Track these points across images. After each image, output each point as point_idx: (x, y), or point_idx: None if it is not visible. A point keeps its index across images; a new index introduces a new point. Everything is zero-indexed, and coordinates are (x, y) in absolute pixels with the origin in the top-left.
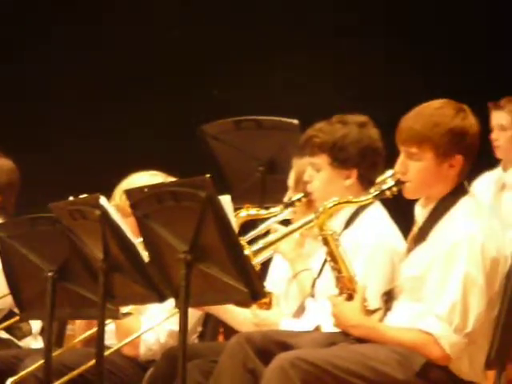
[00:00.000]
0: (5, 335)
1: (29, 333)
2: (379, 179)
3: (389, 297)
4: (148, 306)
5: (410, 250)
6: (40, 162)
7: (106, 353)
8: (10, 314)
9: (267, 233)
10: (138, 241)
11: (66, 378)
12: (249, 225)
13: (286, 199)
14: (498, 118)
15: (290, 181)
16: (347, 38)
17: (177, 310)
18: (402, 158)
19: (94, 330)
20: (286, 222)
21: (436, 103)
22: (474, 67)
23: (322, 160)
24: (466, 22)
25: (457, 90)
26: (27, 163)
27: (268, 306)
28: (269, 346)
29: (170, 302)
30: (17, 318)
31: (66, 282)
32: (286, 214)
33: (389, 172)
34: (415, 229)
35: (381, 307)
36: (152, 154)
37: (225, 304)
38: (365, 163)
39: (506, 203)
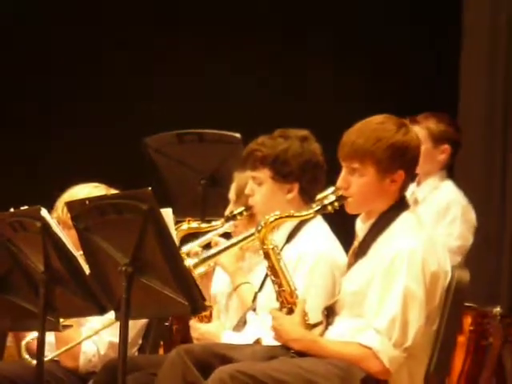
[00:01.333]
0: None
1: None
2: (320, 196)
3: (330, 311)
4: (88, 318)
5: (350, 264)
6: None
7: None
8: None
9: (208, 245)
10: (79, 253)
11: None
12: (190, 238)
13: (227, 213)
14: None
15: (231, 194)
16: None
17: (115, 320)
18: (343, 174)
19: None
20: (226, 236)
21: (378, 118)
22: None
23: (264, 174)
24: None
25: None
26: None
27: (208, 319)
28: (209, 359)
29: (111, 314)
30: None
31: (7, 293)
32: (227, 227)
33: (330, 189)
34: (356, 243)
35: (322, 321)
36: (94, 165)
37: (165, 317)
38: (306, 177)
39: None
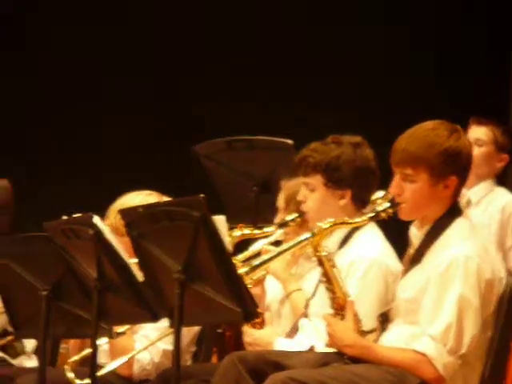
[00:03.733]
0: None
1: (22, 351)
2: (373, 198)
3: (384, 318)
4: (141, 325)
5: (405, 271)
6: (35, 181)
7: (100, 372)
8: (4, 333)
9: (259, 254)
10: (132, 260)
11: None
12: (243, 244)
13: (276, 220)
14: (478, 132)
15: (280, 202)
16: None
17: (170, 329)
18: (396, 180)
19: (88, 350)
20: (277, 243)
21: (430, 124)
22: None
23: (316, 180)
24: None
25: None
26: (22, 182)
27: (261, 325)
28: (262, 366)
29: (164, 321)
30: (11, 336)
31: (60, 300)
32: (279, 234)
33: (380, 192)
34: (410, 250)
35: (376, 328)
36: (147, 173)
37: (218, 324)
38: (359, 183)
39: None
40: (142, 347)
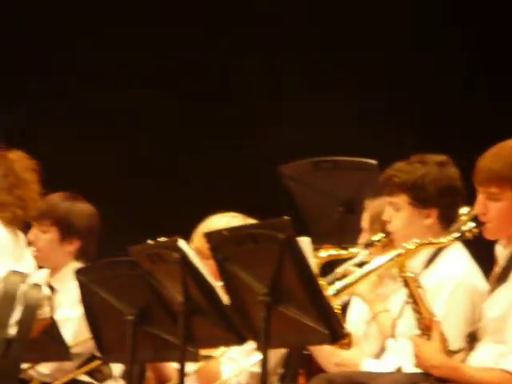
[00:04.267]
0: (86, 379)
1: (109, 376)
2: (460, 212)
3: (472, 338)
4: (228, 348)
5: (491, 290)
6: (119, 206)
7: None
8: (91, 358)
9: (345, 275)
10: (217, 284)
11: None
12: (328, 265)
13: (361, 241)
14: None
15: (364, 222)
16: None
17: (255, 349)
18: (480, 199)
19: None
20: (362, 264)
21: None
22: None
23: (402, 200)
24: None
25: None
26: (106, 207)
27: (348, 346)
28: None
29: (250, 344)
30: (98, 361)
31: (147, 325)
32: (365, 255)
33: (464, 209)
34: (497, 269)
35: (463, 348)
36: (231, 195)
37: (305, 346)
38: (445, 203)
39: None
40: (232, 373)
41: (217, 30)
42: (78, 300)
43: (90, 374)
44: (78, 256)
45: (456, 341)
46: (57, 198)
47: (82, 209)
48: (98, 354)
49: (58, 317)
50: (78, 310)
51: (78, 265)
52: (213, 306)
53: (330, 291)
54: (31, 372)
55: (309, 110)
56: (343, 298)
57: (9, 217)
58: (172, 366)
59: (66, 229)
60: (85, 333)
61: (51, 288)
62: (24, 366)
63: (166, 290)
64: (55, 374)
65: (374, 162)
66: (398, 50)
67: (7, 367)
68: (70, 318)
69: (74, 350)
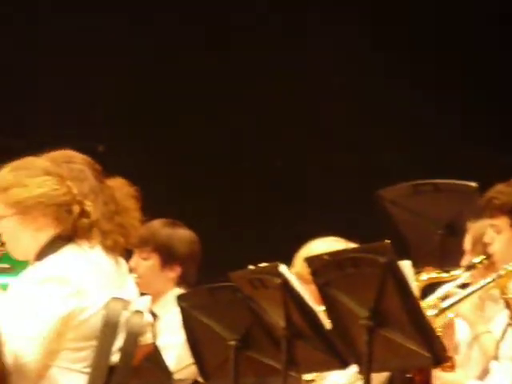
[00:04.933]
0: None
1: None
2: None
3: None
4: (330, 372)
5: None
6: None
7: None
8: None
9: (446, 297)
10: (319, 308)
11: None
12: (430, 287)
13: (464, 263)
14: None
15: (467, 244)
16: None
17: (358, 373)
18: None
19: None
20: (464, 286)
21: None
22: None
23: (503, 222)
24: None
25: None
26: (206, 233)
27: (451, 368)
28: None
29: (352, 367)
30: None
31: (249, 350)
32: (466, 277)
33: None
34: None
35: None
36: (331, 219)
37: (408, 369)
38: None
39: None
40: None
41: None
42: (180, 326)
43: None
44: (179, 282)
45: None
46: (157, 225)
47: (183, 235)
48: (200, 380)
49: (160, 343)
50: (180, 336)
51: (179, 291)
52: (315, 331)
53: (431, 312)
54: None
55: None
56: (445, 319)
57: (110, 244)
58: None
59: (167, 255)
60: (187, 359)
61: (153, 314)
62: None
63: (267, 315)
64: None
65: (474, 184)
66: None
67: None
68: (172, 345)
69: (176, 376)
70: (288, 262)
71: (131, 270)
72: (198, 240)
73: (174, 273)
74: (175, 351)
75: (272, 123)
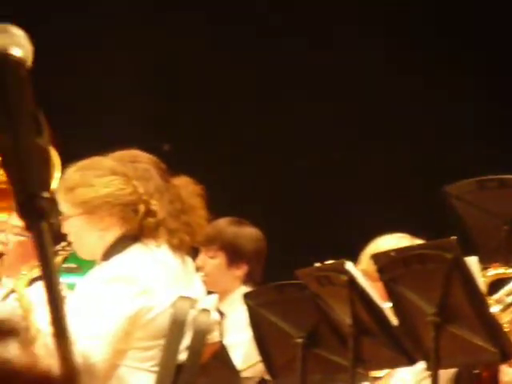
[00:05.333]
0: None
1: None
2: None
3: None
4: (398, 369)
5: None
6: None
7: None
8: (261, 382)
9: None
10: (386, 305)
11: None
12: (496, 284)
13: None
14: None
15: None
16: None
17: (427, 372)
18: None
19: None
20: None
21: None
22: None
23: None
24: None
25: None
26: (272, 231)
27: None
28: None
29: (420, 364)
30: None
31: (316, 347)
32: None
33: None
34: None
35: None
36: (396, 216)
37: (475, 365)
38: None
39: None
40: None
41: None
42: (247, 324)
43: None
44: (246, 280)
45: None
46: (223, 223)
47: (249, 233)
48: (267, 378)
49: (227, 341)
50: (247, 334)
51: (245, 289)
52: (381, 328)
53: (498, 307)
54: None
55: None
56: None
57: (176, 243)
58: None
59: (234, 254)
60: (254, 356)
61: (220, 313)
62: None
63: (334, 313)
64: None
65: None
66: None
67: None
68: (240, 342)
69: (244, 374)
70: (354, 259)
71: (198, 269)
72: (264, 238)
73: (241, 271)
74: (242, 349)
75: (329, 120)
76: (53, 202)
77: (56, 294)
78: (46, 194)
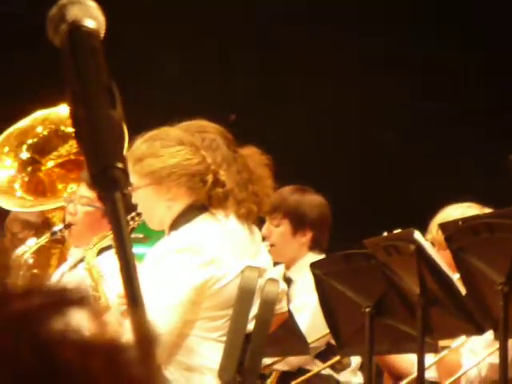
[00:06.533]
0: (325, 371)
1: (348, 366)
2: None
3: None
4: (467, 340)
5: None
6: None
7: None
8: (329, 348)
9: None
10: (454, 275)
11: None
12: None
13: None
14: None
15: None
16: None
17: (494, 340)
18: None
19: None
20: None
21: None
22: None
23: None
24: None
25: None
26: (336, 198)
27: None
28: None
29: (490, 334)
30: (337, 357)
31: (384, 317)
32: None
33: None
34: None
35: None
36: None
37: None
38: None
39: None
40: (471, 365)
41: None
42: (314, 288)
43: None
44: (312, 247)
45: None
46: (287, 191)
47: (312, 200)
48: (332, 342)
49: (295, 305)
50: (315, 297)
51: (312, 255)
52: (450, 297)
53: None
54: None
55: None
56: None
57: (244, 213)
58: (405, 360)
59: (298, 221)
60: (321, 321)
61: (288, 280)
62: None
63: (402, 282)
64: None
65: None
66: None
67: (248, 362)
68: (308, 303)
69: (311, 344)
70: (422, 228)
71: (264, 238)
72: (328, 204)
73: (306, 238)
74: (310, 311)
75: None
76: (125, 172)
77: (130, 263)
78: (119, 165)
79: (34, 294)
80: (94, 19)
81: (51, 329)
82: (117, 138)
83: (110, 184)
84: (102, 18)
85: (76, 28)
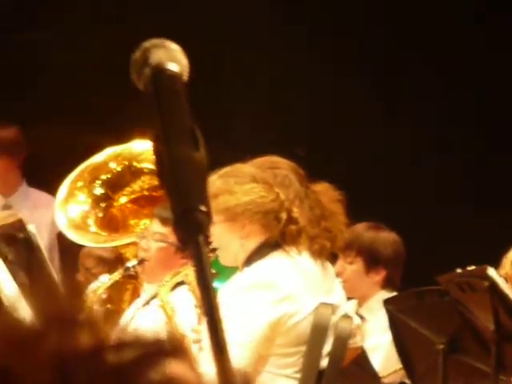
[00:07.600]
0: None
1: None
2: None
3: None
4: None
5: None
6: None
7: None
8: None
9: None
10: None
11: None
12: None
13: None
14: None
15: None
16: None
17: None
18: None
19: None
20: None
21: None
22: None
23: None
24: None
25: None
26: (409, 237)
27: None
28: None
29: None
30: None
31: (457, 354)
32: None
33: None
34: None
35: None
36: None
37: None
38: None
39: None
40: None
41: None
42: (387, 327)
43: None
44: (385, 285)
45: None
46: (361, 228)
47: (386, 237)
48: (407, 381)
49: (367, 345)
50: (388, 336)
51: (385, 294)
52: None
53: None
54: None
55: None
56: None
57: (317, 249)
58: None
59: (372, 258)
60: (395, 361)
61: (360, 317)
62: None
63: (476, 319)
64: None
65: None
66: None
67: None
68: (381, 344)
69: (384, 380)
70: (496, 264)
71: (337, 275)
72: (402, 242)
73: (379, 276)
74: (383, 352)
75: None
76: (209, 215)
77: (214, 306)
78: (203, 208)
79: (128, 346)
80: (177, 62)
81: (148, 381)
82: (200, 179)
83: (193, 227)
84: (185, 61)
85: (159, 72)
